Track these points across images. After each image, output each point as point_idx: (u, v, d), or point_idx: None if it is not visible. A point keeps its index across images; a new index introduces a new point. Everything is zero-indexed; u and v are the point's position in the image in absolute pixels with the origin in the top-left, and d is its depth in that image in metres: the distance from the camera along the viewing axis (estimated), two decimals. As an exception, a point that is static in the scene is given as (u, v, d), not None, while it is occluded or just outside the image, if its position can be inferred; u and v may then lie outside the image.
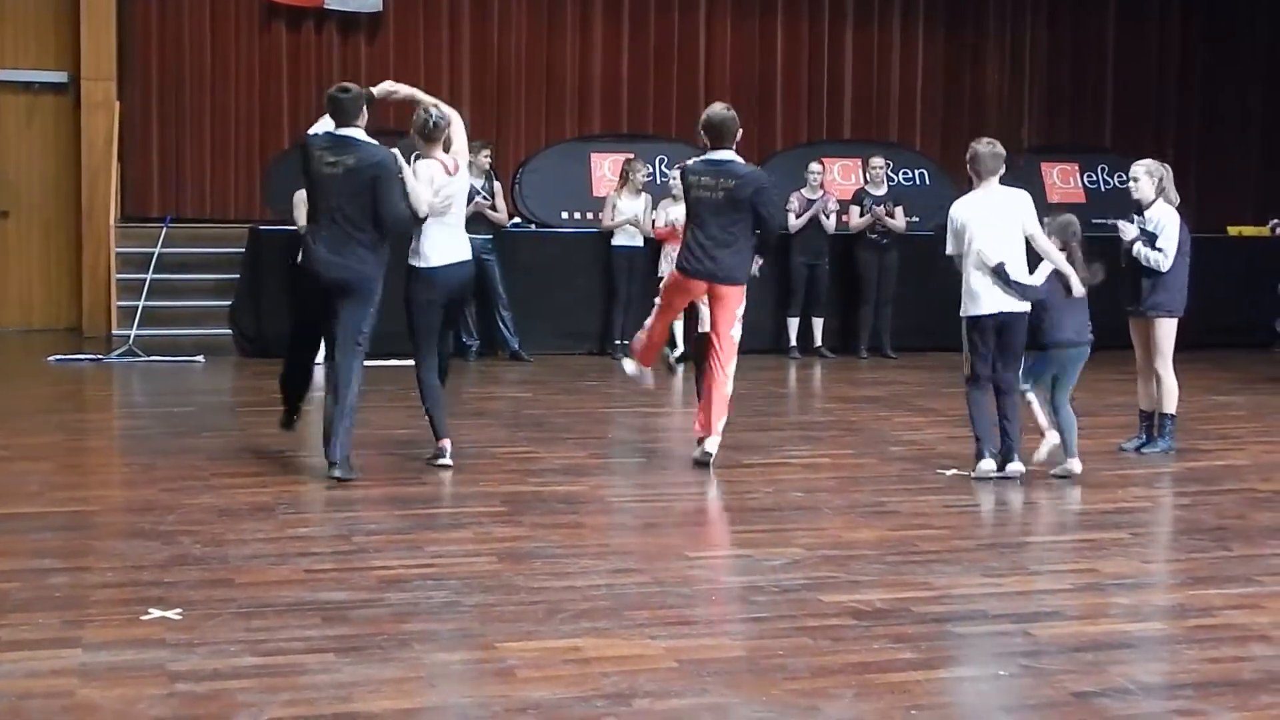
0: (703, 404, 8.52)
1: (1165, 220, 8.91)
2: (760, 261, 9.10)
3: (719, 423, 8.46)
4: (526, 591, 5.68)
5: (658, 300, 8.97)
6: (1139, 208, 9.02)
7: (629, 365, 9.22)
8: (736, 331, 8.52)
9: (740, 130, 8.58)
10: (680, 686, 4.63)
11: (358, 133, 7.99)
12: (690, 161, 8.84)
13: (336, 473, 7.78)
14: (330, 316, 7.97)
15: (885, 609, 5.54)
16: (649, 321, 9.00)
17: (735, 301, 8.48)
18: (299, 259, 8.22)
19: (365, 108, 8.04)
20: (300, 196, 9.14)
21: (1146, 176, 8.99)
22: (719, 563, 6.39)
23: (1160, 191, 8.97)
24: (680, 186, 13.88)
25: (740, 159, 8.58)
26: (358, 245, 7.88)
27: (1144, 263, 8.90)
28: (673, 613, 5.46)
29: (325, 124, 8.10)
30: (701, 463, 8.41)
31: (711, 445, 8.44)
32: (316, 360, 8.68)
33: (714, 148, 8.51)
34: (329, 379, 8.12)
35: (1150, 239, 8.92)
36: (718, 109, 8.61)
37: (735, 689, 4.63)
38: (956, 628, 5.37)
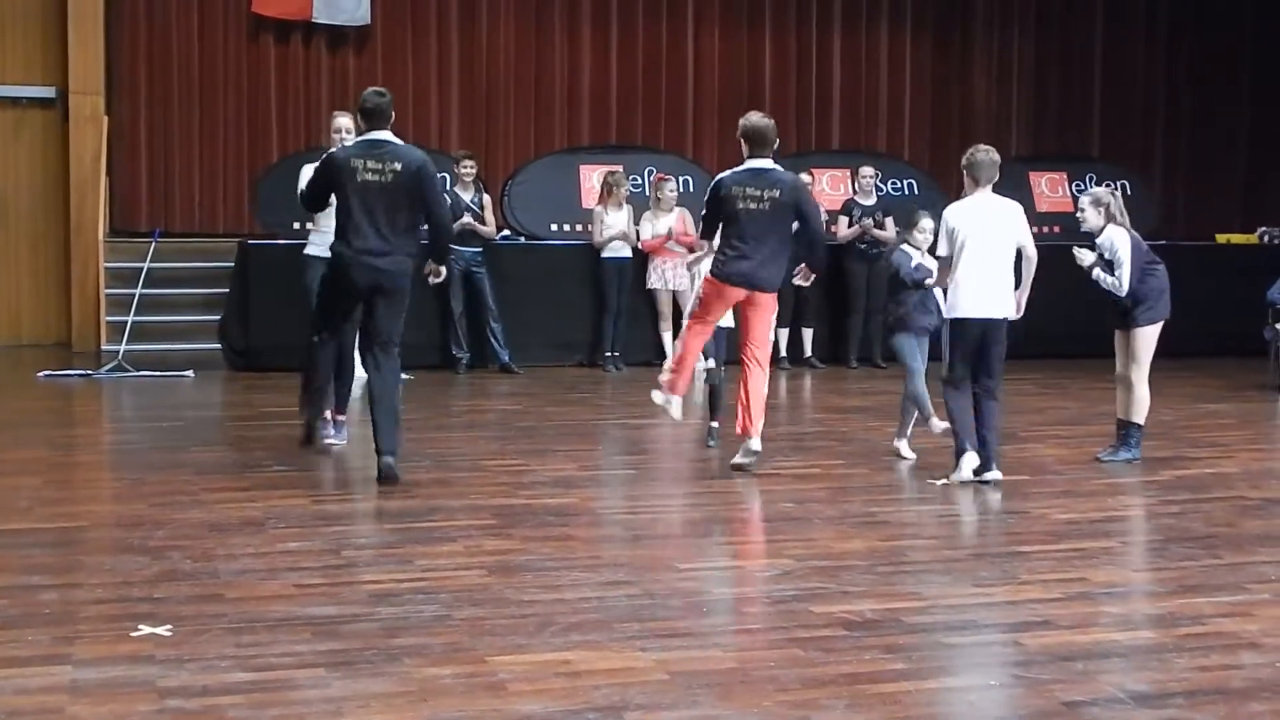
0: (741, 407, 8.52)
1: (1117, 243, 8.98)
2: (814, 274, 9.03)
3: (760, 423, 8.52)
4: (517, 604, 5.67)
5: (689, 319, 8.80)
6: (1092, 237, 9.12)
7: (658, 395, 8.83)
8: (771, 335, 8.74)
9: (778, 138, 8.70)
10: (671, 699, 4.62)
11: (390, 135, 8.20)
12: (726, 174, 8.66)
13: (389, 460, 8.02)
14: (364, 317, 8.27)
15: (876, 619, 5.54)
16: (680, 343, 8.88)
17: (771, 308, 8.63)
18: (332, 261, 8.36)
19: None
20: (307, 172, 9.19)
21: (1091, 208, 9.12)
22: (710, 574, 6.39)
23: (1109, 218, 9.05)
24: (663, 194, 14.12)
25: (779, 166, 8.64)
26: (399, 247, 8.12)
27: (1103, 287, 8.96)
28: (664, 625, 5.46)
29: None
30: (741, 466, 8.48)
31: (756, 444, 8.49)
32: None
33: (754, 155, 8.52)
34: (374, 384, 8.28)
35: (1108, 265, 8.99)
36: (758, 117, 8.63)
37: (726, 701, 4.63)
38: (947, 638, 5.37)
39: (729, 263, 8.46)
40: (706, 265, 9.09)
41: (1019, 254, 8.38)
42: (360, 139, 8.28)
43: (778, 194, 8.41)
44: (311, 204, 8.59)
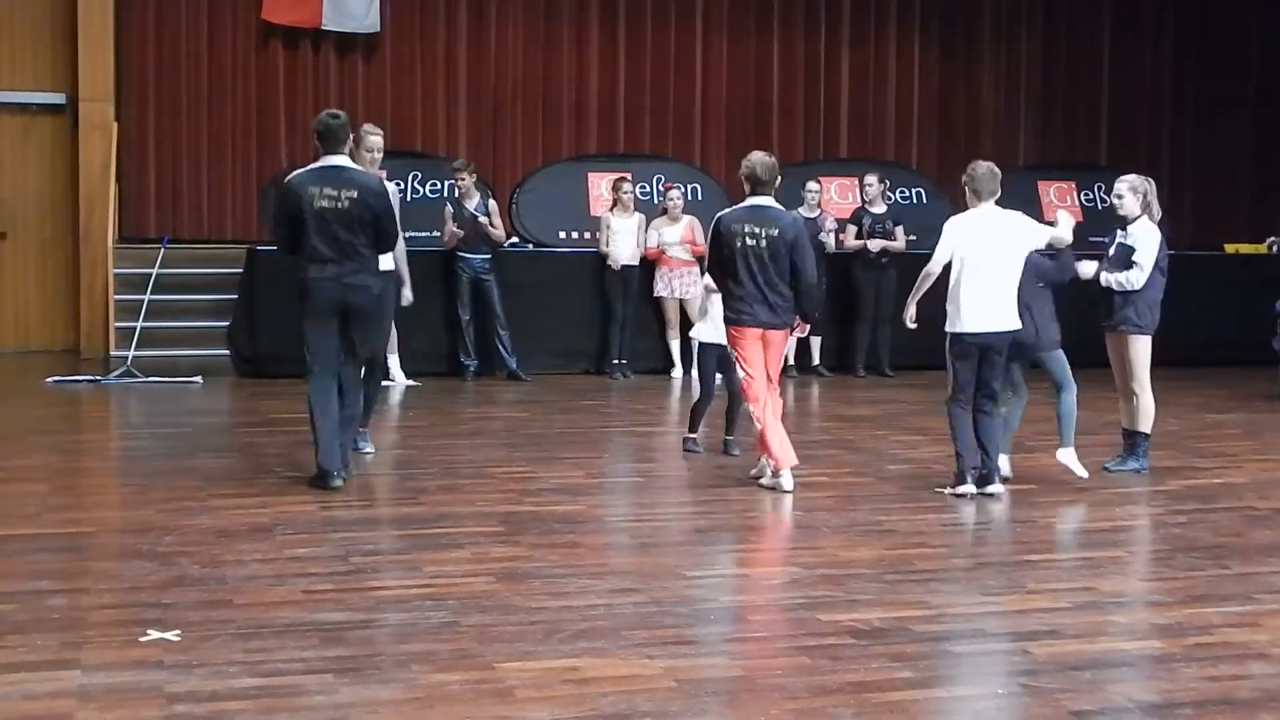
0: (768, 440, 8.41)
1: (1145, 239, 8.88)
2: (806, 326, 9.03)
3: (787, 454, 8.38)
4: (525, 611, 5.67)
5: (742, 374, 8.54)
6: (1123, 223, 9.01)
7: (775, 479, 8.39)
8: (781, 364, 8.77)
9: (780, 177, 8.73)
10: (678, 707, 4.62)
11: (346, 160, 8.27)
12: (725, 212, 8.71)
13: (338, 482, 8.06)
14: (341, 336, 8.25)
15: (883, 628, 5.54)
16: (755, 413, 8.45)
17: (784, 342, 8.69)
18: (300, 287, 8.32)
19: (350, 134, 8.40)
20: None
21: (1130, 193, 8.97)
22: (717, 582, 6.39)
23: (1145, 207, 8.97)
24: (663, 213, 14.14)
25: (778, 205, 8.66)
26: (364, 269, 8.19)
27: (1115, 288, 8.88)
28: (671, 632, 5.46)
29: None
30: (780, 489, 8.32)
31: (787, 481, 8.33)
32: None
33: (756, 193, 8.55)
34: (342, 394, 8.27)
35: (1127, 252, 8.89)
36: (763, 156, 8.64)
37: (734, 709, 4.63)
38: (955, 646, 5.37)
39: (740, 309, 8.47)
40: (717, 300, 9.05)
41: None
42: (315, 166, 8.23)
43: (776, 232, 8.44)
44: (285, 245, 8.34)
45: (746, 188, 8.62)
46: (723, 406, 9.54)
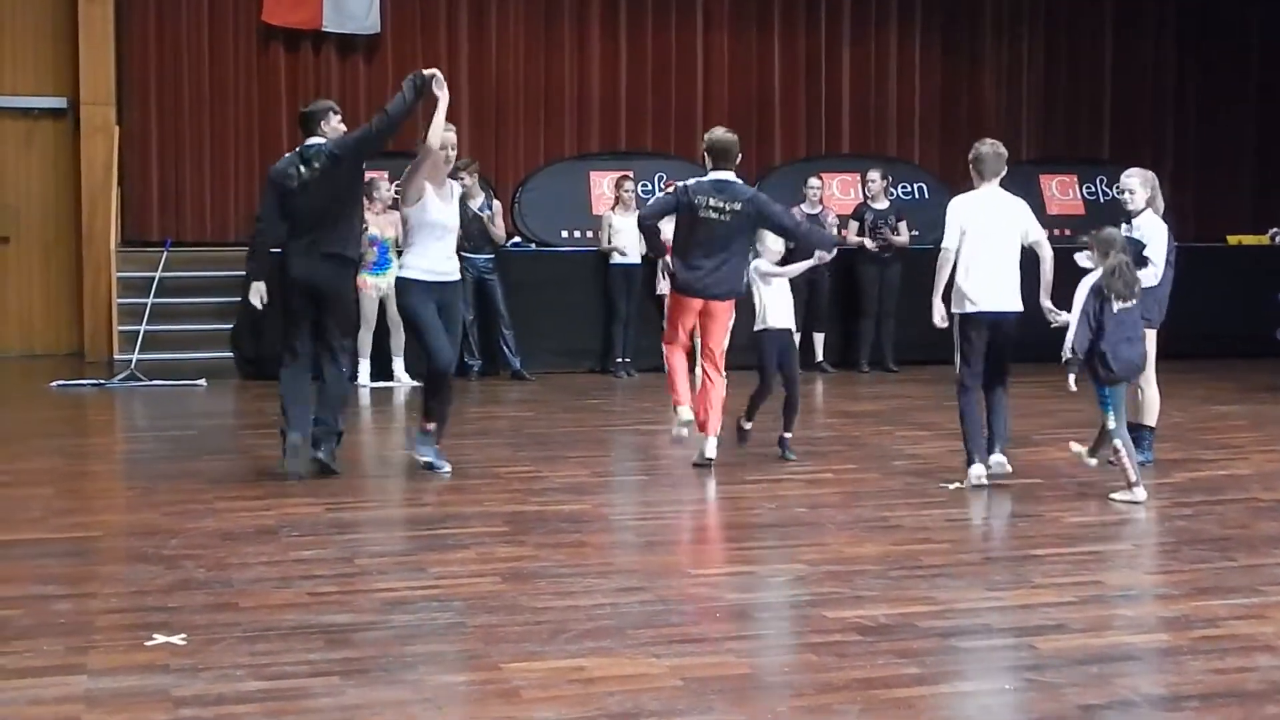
0: (701, 408, 8.87)
1: (1153, 231, 8.84)
2: (826, 256, 9.30)
3: (718, 424, 8.86)
4: (530, 611, 5.67)
5: (667, 341, 9.02)
6: (1128, 216, 8.99)
7: (682, 430, 8.95)
8: (726, 341, 8.93)
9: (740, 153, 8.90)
10: (685, 705, 4.62)
11: (319, 140, 8.48)
12: (692, 182, 8.89)
13: (321, 453, 8.35)
14: (314, 325, 8.46)
15: (889, 624, 5.53)
16: (672, 370, 8.93)
17: (728, 316, 8.89)
18: (279, 266, 8.54)
19: (331, 115, 8.57)
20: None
21: (1141, 187, 8.95)
22: (723, 580, 6.38)
23: (1150, 201, 8.95)
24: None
25: (739, 179, 8.80)
26: (339, 247, 8.38)
27: None
28: (677, 631, 5.45)
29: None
30: (700, 465, 8.80)
31: (711, 449, 8.82)
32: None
33: (717, 168, 8.73)
34: (320, 392, 8.53)
35: (1137, 247, 8.86)
36: (722, 131, 8.86)
37: (740, 707, 4.62)
38: (961, 642, 5.36)
39: (686, 274, 8.67)
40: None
41: (1027, 252, 8.34)
42: (294, 150, 8.61)
43: (739, 207, 8.62)
44: (271, 230, 8.47)
45: (708, 162, 8.81)
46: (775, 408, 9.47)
